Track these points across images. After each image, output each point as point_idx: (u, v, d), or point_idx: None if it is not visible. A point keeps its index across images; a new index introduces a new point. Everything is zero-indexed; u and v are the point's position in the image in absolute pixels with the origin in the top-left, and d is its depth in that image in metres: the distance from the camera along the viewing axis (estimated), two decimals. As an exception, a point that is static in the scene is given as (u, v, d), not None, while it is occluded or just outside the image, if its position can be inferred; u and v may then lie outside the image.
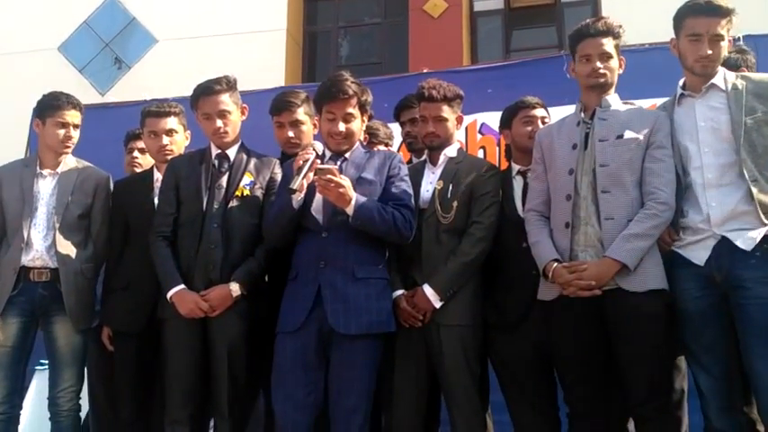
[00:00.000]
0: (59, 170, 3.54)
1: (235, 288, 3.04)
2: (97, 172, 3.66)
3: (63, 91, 3.59)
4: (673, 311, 2.73)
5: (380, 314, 2.90)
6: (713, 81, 2.77)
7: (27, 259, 3.38)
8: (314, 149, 2.95)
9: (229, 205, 3.13)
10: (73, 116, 3.53)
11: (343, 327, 2.82)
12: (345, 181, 2.81)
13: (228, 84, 3.24)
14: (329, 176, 2.77)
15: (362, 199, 2.87)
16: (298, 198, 2.88)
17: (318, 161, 2.91)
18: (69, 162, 3.58)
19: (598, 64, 2.85)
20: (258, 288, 3.16)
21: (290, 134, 3.32)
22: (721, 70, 2.80)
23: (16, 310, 3.37)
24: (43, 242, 3.41)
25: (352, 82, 3.03)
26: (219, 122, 3.19)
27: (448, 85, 3.21)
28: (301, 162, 2.87)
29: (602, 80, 2.86)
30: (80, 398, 3.50)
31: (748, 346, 2.57)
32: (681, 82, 2.87)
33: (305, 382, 2.84)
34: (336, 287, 2.86)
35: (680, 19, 2.81)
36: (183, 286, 3.05)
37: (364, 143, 3.32)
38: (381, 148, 3.59)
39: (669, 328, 2.72)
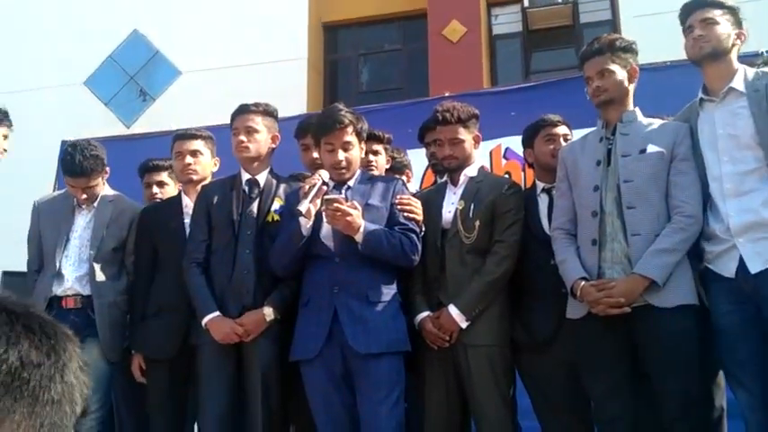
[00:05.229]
0: (96, 204, 3.58)
1: (269, 313, 3.06)
2: (132, 205, 3.71)
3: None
4: (705, 327, 2.70)
5: (398, 333, 2.94)
6: (731, 84, 2.72)
7: (59, 290, 3.42)
8: (320, 177, 2.99)
9: (261, 231, 3.17)
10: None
11: (363, 347, 2.85)
12: (354, 210, 2.85)
13: (266, 109, 3.32)
14: (336, 205, 2.82)
15: (371, 226, 2.92)
16: (307, 225, 2.93)
17: (325, 187, 2.96)
18: (106, 195, 3.63)
19: (596, 84, 2.87)
20: (291, 312, 3.16)
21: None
22: (741, 70, 2.75)
23: None
24: (74, 273, 3.45)
25: (347, 111, 3.10)
26: (243, 137, 3.24)
27: (462, 105, 3.22)
28: (307, 188, 2.92)
29: (602, 97, 2.87)
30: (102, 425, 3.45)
31: None
32: (702, 86, 2.83)
33: (342, 402, 2.90)
34: (353, 310, 2.90)
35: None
36: (217, 313, 3.08)
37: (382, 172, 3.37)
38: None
39: (701, 343, 2.69)
